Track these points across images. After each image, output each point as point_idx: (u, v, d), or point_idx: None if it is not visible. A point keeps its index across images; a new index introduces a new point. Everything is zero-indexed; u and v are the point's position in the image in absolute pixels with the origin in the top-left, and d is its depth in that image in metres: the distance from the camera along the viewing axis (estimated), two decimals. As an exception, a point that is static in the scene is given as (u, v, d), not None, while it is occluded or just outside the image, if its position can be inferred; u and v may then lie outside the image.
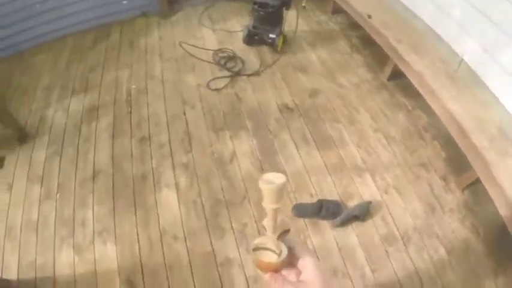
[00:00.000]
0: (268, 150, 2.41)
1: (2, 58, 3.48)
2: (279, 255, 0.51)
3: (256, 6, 2.86)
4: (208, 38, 3.44)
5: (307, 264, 0.51)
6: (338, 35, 3.53)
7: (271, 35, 3.05)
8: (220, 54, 3.14)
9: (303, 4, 3.91)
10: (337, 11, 3.69)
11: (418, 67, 2.49)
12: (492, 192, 1.90)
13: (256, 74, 2.95)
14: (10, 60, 3.36)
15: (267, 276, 0.51)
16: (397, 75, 2.80)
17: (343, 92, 2.84)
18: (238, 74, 2.92)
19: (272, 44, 3.14)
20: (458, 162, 2.24)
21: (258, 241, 0.53)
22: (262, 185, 0.48)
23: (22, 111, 2.88)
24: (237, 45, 3.26)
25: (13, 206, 2.35)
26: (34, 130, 2.75)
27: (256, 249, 0.52)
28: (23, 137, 2.68)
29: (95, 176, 2.40)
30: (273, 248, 0.51)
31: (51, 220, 2.25)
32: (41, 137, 2.70)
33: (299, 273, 0.52)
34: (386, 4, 3.24)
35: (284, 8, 3.01)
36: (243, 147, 2.43)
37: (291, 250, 0.52)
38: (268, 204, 0.49)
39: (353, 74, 3.01)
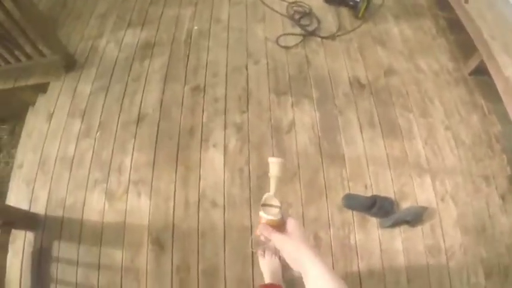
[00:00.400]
0: (330, 127, 2.15)
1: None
2: (280, 208, 0.69)
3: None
4: None
5: (290, 223, 0.69)
6: (425, 12, 3.03)
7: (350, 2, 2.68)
8: (295, 8, 2.78)
9: None
10: None
11: (508, 72, 2.07)
12: None
13: (332, 37, 2.59)
14: (66, -20, 3.14)
15: (259, 227, 0.69)
16: (481, 71, 2.37)
17: (421, 77, 2.44)
18: (312, 33, 2.58)
19: (354, 8, 2.73)
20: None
21: (264, 197, 0.71)
22: (270, 159, 0.71)
23: (73, 37, 2.70)
24: (316, 1, 2.90)
25: (50, 137, 2.22)
26: (83, 59, 2.56)
27: (264, 205, 0.70)
28: (70, 64, 2.51)
29: (139, 120, 2.21)
30: (276, 203, 0.70)
31: (87, 160, 2.10)
32: (89, 68, 2.50)
33: (285, 229, 0.69)
34: None
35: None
36: (304, 118, 2.17)
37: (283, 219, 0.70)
38: (273, 174, 0.71)
39: (434, 59, 2.58)
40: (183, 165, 2.01)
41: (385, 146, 2.11)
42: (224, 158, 2.02)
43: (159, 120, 2.18)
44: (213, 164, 2.01)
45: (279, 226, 0.69)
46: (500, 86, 2.13)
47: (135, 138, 2.13)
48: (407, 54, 2.59)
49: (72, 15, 2.88)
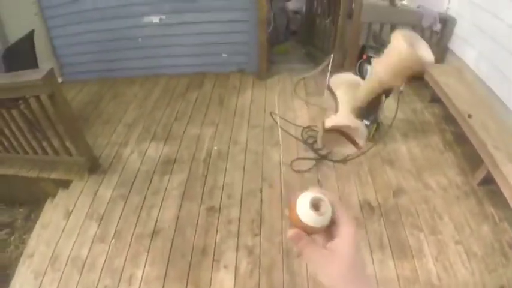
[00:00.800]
0: None
1: (95, 80, 3.78)
2: (325, 215, 0.50)
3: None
4: (300, 111, 3.54)
5: (342, 234, 0.49)
6: (432, 128, 3.49)
7: (365, 122, 3.08)
8: (309, 133, 3.21)
9: (401, 88, 3.87)
10: (435, 99, 3.70)
11: None
12: None
13: (343, 161, 2.94)
14: (102, 84, 3.64)
15: (290, 232, 0.50)
16: (489, 180, 2.69)
17: (430, 194, 2.72)
18: (324, 158, 2.94)
19: (364, 131, 3.10)
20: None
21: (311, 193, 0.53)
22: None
23: (99, 141, 3.08)
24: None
25: (66, 235, 2.47)
26: (107, 164, 2.91)
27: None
28: (94, 167, 2.86)
29: (154, 233, 2.45)
30: (324, 206, 0.51)
31: (99, 265, 2.30)
32: (112, 174, 2.83)
33: (330, 239, 0.50)
34: (489, 103, 3.19)
35: (384, 95, 3.00)
36: None
37: (332, 216, 0.51)
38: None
39: (442, 175, 2.90)
40: (193, 284, 2.20)
41: (395, 267, 2.28)
42: (235, 280, 2.21)
43: (173, 237, 2.43)
44: (223, 286, 2.19)
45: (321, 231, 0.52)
46: (507, 194, 2.42)
47: (148, 251, 2.35)
48: (415, 172, 2.92)
49: (102, 117, 3.31)
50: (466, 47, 3.82)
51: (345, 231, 0.50)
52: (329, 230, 0.51)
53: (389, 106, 3.35)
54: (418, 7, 3.83)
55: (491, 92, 3.26)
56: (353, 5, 3.78)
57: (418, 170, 2.95)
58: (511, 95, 2.99)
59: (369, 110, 3.04)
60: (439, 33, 4.08)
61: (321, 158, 2.97)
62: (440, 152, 3.18)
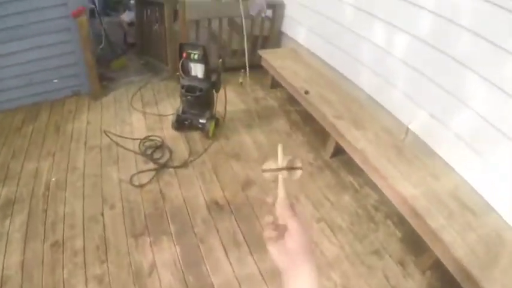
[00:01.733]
0: (192, 259, 2.55)
1: None
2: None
3: (183, 90, 3.34)
4: (137, 124, 3.92)
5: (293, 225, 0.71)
6: (277, 112, 4.12)
7: (201, 120, 3.53)
8: (147, 144, 3.54)
9: (240, 80, 4.58)
10: (277, 84, 4.37)
11: (361, 145, 2.97)
12: (457, 274, 2.12)
13: (184, 165, 3.33)
14: None
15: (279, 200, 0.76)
16: (342, 150, 3.22)
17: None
18: (164, 166, 3.29)
19: (203, 130, 3.60)
20: (417, 240, 2.46)
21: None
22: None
23: None
24: (167, 131, 3.74)
25: None
26: None
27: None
28: None
29: (2, 284, 2.53)
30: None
31: None
32: None
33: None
34: (326, 76, 3.96)
35: (214, 91, 3.54)
36: (164, 256, 2.57)
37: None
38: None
39: (292, 156, 3.48)
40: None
41: (255, 262, 2.52)
42: (88, 314, 2.43)
43: (21, 283, 2.52)
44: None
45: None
46: (359, 160, 3.02)
47: (-2, 304, 2.42)
48: (263, 161, 3.40)
49: None
50: (297, 27, 4.61)
51: (294, 225, 0.71)
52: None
53: (230, 100, 3.91)
54: (244, -5, 4.45)
55: (326, 64, 4.03)
56: (177, 6, 4.28)
57: (265, 157, 3.34)
58: (344, 63, 3.75)
59: (203, 107, 3.55)
60: (270, 18, 4.82)
61: (161, 167, 3.35)
62: (287, 134, 3.81)
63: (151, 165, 3.38)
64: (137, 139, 3.64)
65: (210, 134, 3.62)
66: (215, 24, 4.58)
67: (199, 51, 3.22)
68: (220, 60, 3.46)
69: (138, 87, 4.49)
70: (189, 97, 3.44)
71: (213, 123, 3.61)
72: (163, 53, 4.68)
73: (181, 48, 3.29)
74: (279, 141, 3.68)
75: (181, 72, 3.40)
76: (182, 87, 3.43)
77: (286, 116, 4.02)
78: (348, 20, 3.60)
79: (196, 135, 3.76)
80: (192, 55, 3.25)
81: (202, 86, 3.40)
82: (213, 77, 3.42)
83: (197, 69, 3.37)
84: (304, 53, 4.46)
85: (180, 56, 3.31)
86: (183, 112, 3.66)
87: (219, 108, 3.83)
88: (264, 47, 4.90)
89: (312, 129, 3.73)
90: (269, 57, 4.41)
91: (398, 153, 2.91)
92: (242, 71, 4.50)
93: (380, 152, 2.90)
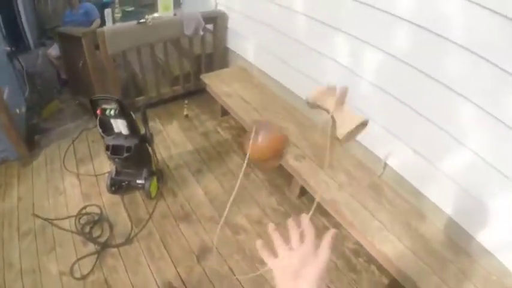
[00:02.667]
0: None
1: None
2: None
3: (108, 153, 2.83)
4: (72, 191, 3.43)
5: (310, 265, 0.69)
6: (230, 146, 3.68)
7: (138, 181, 3.09)
8: (83, 219, 3.10)
9: (185, 112, 4.11)
10: (227, 111, 3.87)
11: (330, 193, 2.58)
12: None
13: (128, 241, 2.88)
14: None
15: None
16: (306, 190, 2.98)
17: (242, 239, 2.79)
18: (106, 246, 2.84)
19: (143, 189, 3.13)
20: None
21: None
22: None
23: None
24: (106, 196, 3.25)
25: None
26: None
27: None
28: None
29: None
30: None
31: None
32: None
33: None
34: (282, 101, 3.53)
35: (147, 145, 3.05)
36: None
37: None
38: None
39: (253, 204, 3.07)
40: None
41: None
42: None
43: None
44: None
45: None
46: (329, 209, 2.64)
47: None
48: (218, 219, 3.00)
49: None
50: (244, 42, 4.08)
51: (313, 265, 0.69)
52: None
53: (175, 140, 3.55)
54: (174, 15, 3.89)
55: (282, 86, 3.56)
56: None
57: (222, 211, 3.03)
58: (303, 85, 3.23)
59: (138, 165, 3.07)
60: (212, 32, 4.30)
61: (102, 248, 2.88)
62: (245, 175, 3.33)
63: (91, 247, 2.92)
64: (72, 216, 3.14)
65: (153, 194, 3.16)
66: (158, 49, 4.09)
67: (114, 105, 2.69)
68: (143, 110, 2.91)
69: (71, 139, 3.97)
70: (116, 160, 2.92)
71: (154, 181, 3.14)
72: (92, 92, 4.07)
73: (93, 104, 2.74)
74: (235, 186, 3.27)
75: (100, 131, 2.87)
76: (107, 148, 2.89)
77: (242, 150, 3.50)
78: (304, 34, 3.12)
79: (138, 196, 3.28)
80: (107, 111, 2.70)
81: (130, 143, 2.86)
82: (143, 129, 2.92)
83: (119, 126, 2.83)
84: (255, 72, 3.96)
85: (95, 113, 2.77)
86: (117, 174, 3.17)
87: (162, 152, 3.49)
88: (210, 66, 4.41)
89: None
90: (213, 82, 3.91)
91: (376, 195, 2.55)
92: (186, 102, 4.00)
93: (355, 198, 2.53)
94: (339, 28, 2.72)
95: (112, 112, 2.66)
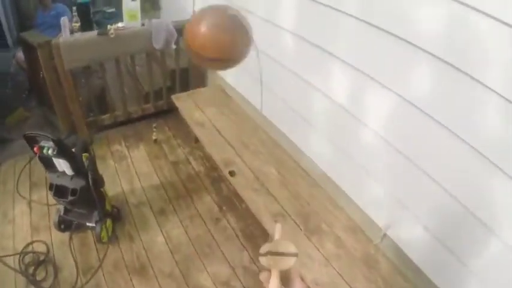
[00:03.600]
0: None
1: None
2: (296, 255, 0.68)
3: (52, 193, 2.48)
4: (21, 220, 3.09)
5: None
6: (202, 182, 3.33)
7: (89, 224, 2.75)
8: (28, 258, 2.77)
9: (154, 137, 3.76)
10: None
11: (314, 271, 2.18)
12: None
13: None
14: None
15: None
16: None
17: None
18: None
19: (95, 230, 2.78)
20: None
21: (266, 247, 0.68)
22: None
23: None
24: (55, 234, 2.92)
25: None
26: None
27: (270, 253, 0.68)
28: None
29: None
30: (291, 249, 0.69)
31: None
32: None
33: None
34: (264, 136, 3.14)
35: (98, 187, 2.68)
36: None
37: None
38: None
39: (221, 260, 2.73)
40: None
41: None
42: None
43: None
44: None
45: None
46: None
47: None
48: (179, 275, 2.64)
49: None
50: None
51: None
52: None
53: (140, 169, 3.26)
54: (142, 25, 3.44)
55: (263, 118, 3.18)
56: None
57: (185, 266, 2.70)
58: (289, 120, 2.87)
59: (89, 206, 2.68)
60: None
61: None
62: (214, 221, 3.01)
63: None
64: (16, 254, 2.80)
65: (104, 239, 2.79)
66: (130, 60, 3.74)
67: (51, 144, 2.31)
68: (82, 146, 2.50)
69: (29, 157, 3.52)
70: (61, 202, 2.59)
71: (108, 222, 2.80)
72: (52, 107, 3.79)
73: (28, 140, 2.36)
74: (205, 235, 2.85)
75: (44, 167, 2.51)
76: (50, 187, 2.52)
77: (215, 188, 3.26)
78: (290, 57, 2.68)
79: (90, 236, 2.93)
80: (44, 149, 2.31)
81: (76, 185, 2.49)
82: (90, 170, 2.50)
83: (61, 165, 2.46)
84: (234, 95, 3.60)
85: (32, 150, 2.38)
86: (66, 212, 2.81)
87: (124, 185, 3.20)
88: (185, 83, 4.06)
89: (247, 212, 2.90)
90: (184, 104, 3.54)
91: (369, 273, 2.15)
92: (154, 125, 3.59)
93: (343, 276, 2.13)
94: (334, 53, 2.25)
95: (50, 151, 2.29)
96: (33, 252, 2.82)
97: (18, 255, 2.78)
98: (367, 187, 2.35)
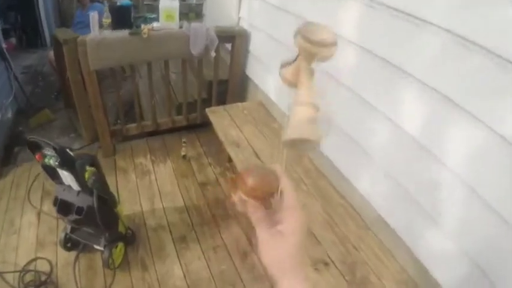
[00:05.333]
0: None
1: None
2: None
3: (55, 208, 2.20)
4: (27, 232, 2.86)
5: (290, 219, 0.60)
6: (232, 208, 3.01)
7: (96, 247, 2.47)
8: (28, 278, 2.53)
9: (183, 153, 3.47)
10: None
11: None
12: None
13: None
14: None
15: (250, 202, 0.63)
16: None
17: None
18: None
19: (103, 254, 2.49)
20: None
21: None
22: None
23: None
24: (61, 253, 2.66)
25: None
26: None
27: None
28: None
29: None
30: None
31: None
32: None
33: (278, 220, 0.61)
34: (309, 163, 2.80)
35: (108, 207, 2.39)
36: None
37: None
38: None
39: None
40: None
41: None
42: None
43: None
44: None
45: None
46: None
47: None
48: None
49: None
50: (265, 73, 3.36)
51: (293, 216, 0.60)
52: (274, 204, 0.63)
53: (163, 187, 3.03)
54: (180, 27, 3.16)
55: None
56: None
57: None
58: (342, 150, 2.49)
59: (100, 225, 2.32)
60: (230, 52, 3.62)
61: None
62: (242, 256, 2.64)
63: None
64: (17, 271, 2.56)
65: (114, 265, 2.47)
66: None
67: (53, 152, 2.03)
68: (84, 163, 2.18)
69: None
70: (65, 220, 2.34)
71: (118, 248, 2.51)
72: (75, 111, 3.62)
73: (31, 145, 2.09)
74: (227, 271, 2.45)
75: (50, 177, 2.25)
76: (54, 202, 2.23)
77: (246, 217, 2.73)
78: (350, 73, 2.30)
79: (98, 259, 2.60)
80: (46, 158, 2.04)
81: (82, 204, 2.18)
82: (95, 188, 2.20)
83: (66, 178, 2.17)
84: (277, 113, 3.27)
85: (35, 156, 2.12)
86: (72, 231, 2.53)
87: (144, 204, 2.96)
88: (223, 96, 3.77)
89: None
90: (220, 120, 3.24)
91: None
92: (183, 140, 3.29)
93: None
94: (409, 71, 1.85)
95: (51, 161, 2.02)
96: (35, 271, 2.58)
97: (19, 273, 2.54)
98: (431, 237, 1.95)
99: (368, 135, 2.25)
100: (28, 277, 2.53)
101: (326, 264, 2.12)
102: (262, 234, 0.60)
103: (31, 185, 3.26)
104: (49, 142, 2.04)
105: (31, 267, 2.58)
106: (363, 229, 2.34)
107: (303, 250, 0.59)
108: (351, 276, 2.06)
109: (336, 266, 2.11)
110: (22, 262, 2.62)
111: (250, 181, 0.61)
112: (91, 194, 2.18)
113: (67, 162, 2.05)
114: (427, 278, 1.97)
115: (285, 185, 0.62)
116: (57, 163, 2.02)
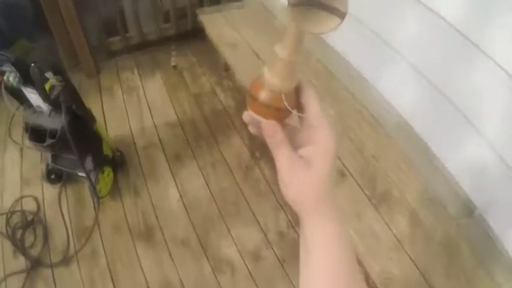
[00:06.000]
0: None
1: None
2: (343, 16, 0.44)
3: (27, 135, 2.01)
4: (11, 170, 2.69)
5: (316, 137, 0.50)
6: (231, 119, 2.79)
7: (80, 174, 2.25)
8: (15, 218, 2.39)
9: (173, 62, 3.20)
10: None
11: (380, 260, 1.69)
12: None
13: (65, 261, 2.15)
14: None
15: (264, 122, 0.52)
16: None
17: (225, 281, 2.02)
18: (37, 263, 2.17)
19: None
20: None
21: None
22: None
23: None
24: (47, 190, 2.51)
25: None
26: None
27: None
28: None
29: None
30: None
31: None
32: None
33: (300, 143, 0.52)
34: (319, 65, 2.48)
35: (92, 125, 2.18)
36: None
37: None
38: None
39: (251, 224, 2.24)
40: None
41: None
42: None
43: None
44: None
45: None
46: None
47: None
48: (195, 245, 2.17)
49: None
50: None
51: (320, 138, 0.50)
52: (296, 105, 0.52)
53: (154, 103, 2.82)
54: None
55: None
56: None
57: (202, 235, 2.21)
58: (366, 46, 2.18)
59: (82, 150, 2.12)
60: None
61: (32, 266, 2.18)
62: (245, 170, 2.47)
63: (22, 261, 2.23)
64: (3, 213, 2.42)
65: (102, 193, 2.28)
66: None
67: (12, 68, 1.78)
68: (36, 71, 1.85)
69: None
70: (39, 147, 2.09)
71: (105, 174, 2.28)
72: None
73: None
74: (228, 189, 2.15)
75: (18, 101, 2.02)
76: (26, 128, 2.03)
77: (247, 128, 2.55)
78: None
79: (86, 189, 2.44)
80: (5, 75, 1.77)
81: (55, 125, 1.95)
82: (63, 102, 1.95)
83: (32, 98, 1.93)
84: (280, 11, 2.86)
85: None
86: (54, 159, 2.34)
87: (132, 122, 2.74)
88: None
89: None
90: (213, 22, 2.91)
91: (450, 266, 1.60)
92: (173, 48, 3.13)
93: (421, 267, 1.60)
94: None
95: (11, 78, 1.76)
96: (22, 212, 2.45)
97: (6, 215, 2.42)
98: (468, 144, 1.70)
99: (393, 24, 1.91)
100: (15, 218, 2.40)
101: (343, 175, 1.92)
102: (283, 161, 0.51)
103: (11, 121, 3.02)
104: (2, 53, 1.77)
105: (17, 207, 2.45)
106: (383, 136, 2.11)
107: (332, 182, 0.50)
108: (372, 191, 1.86)
109: (353, 178, 1.90)
110: (8, 203, 2.48)
111: (262, 95, 0.51)
112: (67, 112, 1.92)
113: (29, 77, 1.78)
114: (456, 196, 1.76)
115: (309, 96, 0.52)
116: (17, 79, 1.76)
